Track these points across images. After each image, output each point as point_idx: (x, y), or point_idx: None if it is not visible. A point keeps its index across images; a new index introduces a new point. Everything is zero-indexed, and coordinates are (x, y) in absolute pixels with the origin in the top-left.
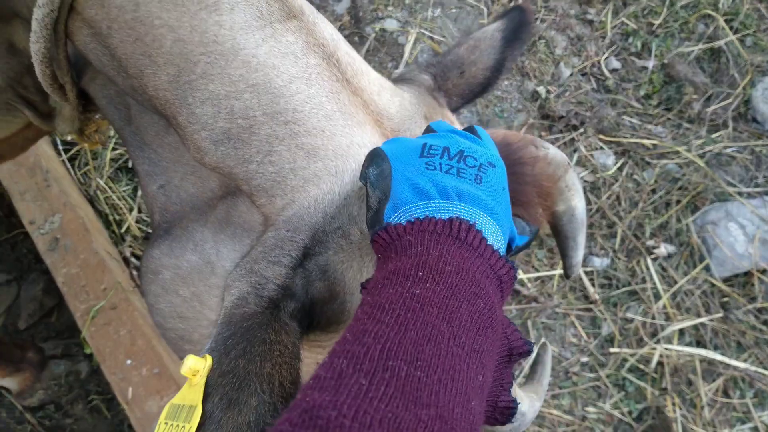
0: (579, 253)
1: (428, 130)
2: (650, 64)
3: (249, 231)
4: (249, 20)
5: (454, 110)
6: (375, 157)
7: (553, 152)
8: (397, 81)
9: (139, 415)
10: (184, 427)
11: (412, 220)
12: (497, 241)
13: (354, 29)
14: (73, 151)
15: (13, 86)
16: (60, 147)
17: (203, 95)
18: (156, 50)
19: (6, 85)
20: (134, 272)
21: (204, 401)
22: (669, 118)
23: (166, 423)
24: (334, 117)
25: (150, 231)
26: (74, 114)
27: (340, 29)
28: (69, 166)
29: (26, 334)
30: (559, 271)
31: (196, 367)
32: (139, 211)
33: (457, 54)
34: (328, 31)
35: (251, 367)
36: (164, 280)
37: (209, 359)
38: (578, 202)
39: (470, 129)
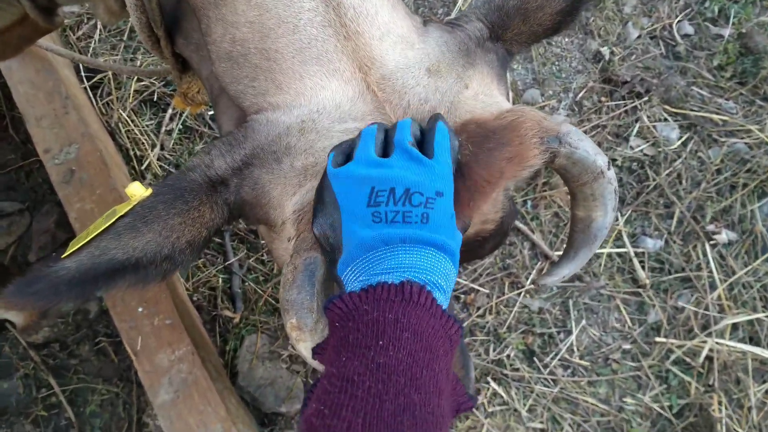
0: (571, 267)
1: (392, 127)
2: (726, 32)
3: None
4: None
5: (516, 54)
6: (326, 202)
7: (583, 154)
8: (448, 25)
9: (147, 369)
10: (102, 226)
11: (366, 287)
12: (444, 278)
13: None
14: (96, 79)
15: None
16: (83, 73)
17: (217, 15)
18: None
19: None
20: None
21: (121, 217)
22: (742, 93)
23: (103, 219)
24: (308, 62)
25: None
26: (176, 74)
27: None
28: (90, 94)
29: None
30: (607, 249)
31: (136, 192)
32: (162, 148)
33: None
34: None
35: (164, 214)
36: None
37: (149, 192)
38: (598, 216)
39: (434, 118)
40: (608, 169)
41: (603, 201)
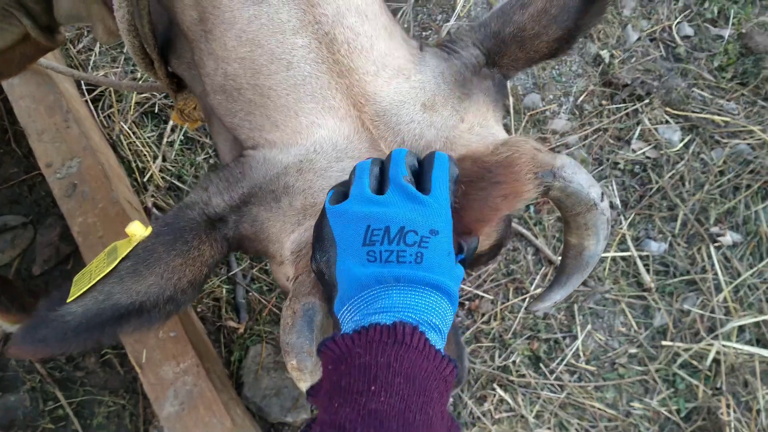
0: (562, 292)
1: (387, 158)
2: (726, 32)
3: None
4: None
5: (513, 77)
6: (323, 239)
7: (577, 187)
8: (444, 48)
9: (152, 381)
10: (105, 268)
11: (359, 329)
12: (438, 317)
13: None
14: (96, 92)
15: None
16: (83, 87)
17: (208, 49)
18: None
19: None
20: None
21: (123, 259)
22: (743, 94)
23: (105, 256)
24: (303, 100)
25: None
26: (171, 93)
27: None
28: (92, 107)
29: (40, 280)
30: (612, 253)
31: (136, 232)
32: (164, 160)
33: (518, 24)
34: (335, 3)
35: (165, 256)
36: None
37: (149, 231)
38: (591, 244)
39: (429, 156)
40: (601, 200)
41: (595, 231)
